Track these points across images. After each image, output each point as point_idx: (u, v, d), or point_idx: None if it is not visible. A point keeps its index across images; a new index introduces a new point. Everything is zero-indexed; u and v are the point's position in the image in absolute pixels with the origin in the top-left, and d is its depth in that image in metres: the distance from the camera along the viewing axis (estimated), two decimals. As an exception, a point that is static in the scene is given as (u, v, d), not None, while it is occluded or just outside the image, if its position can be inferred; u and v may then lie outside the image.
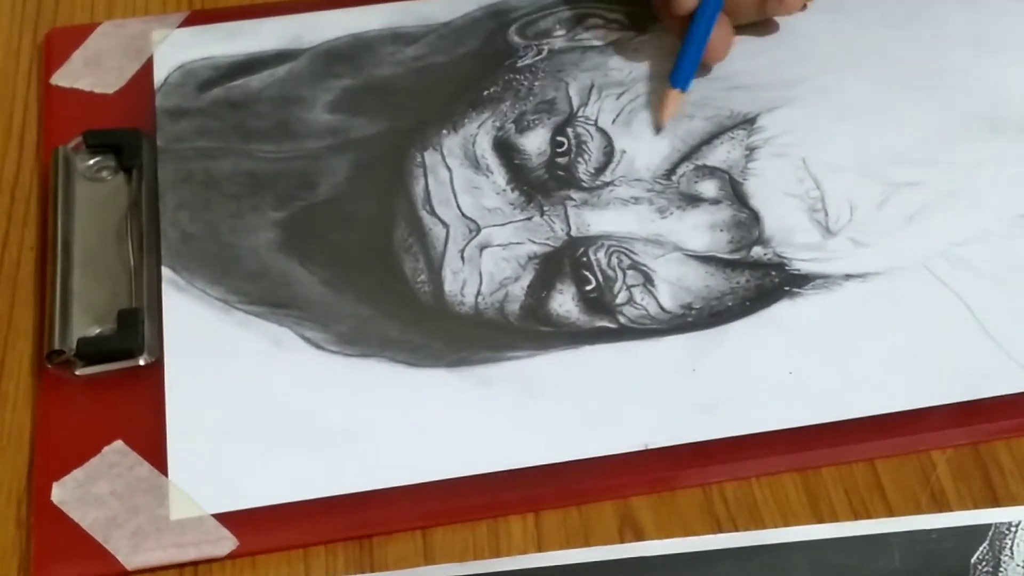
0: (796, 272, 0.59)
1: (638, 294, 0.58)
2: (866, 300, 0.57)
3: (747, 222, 0.60)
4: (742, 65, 0.66)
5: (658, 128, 0.64)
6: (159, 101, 0.68)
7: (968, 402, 0.54)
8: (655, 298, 0.58)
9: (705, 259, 0.59)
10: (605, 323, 0.58)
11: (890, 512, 0.52)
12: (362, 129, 0.66)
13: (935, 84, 0.63)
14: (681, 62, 0.64)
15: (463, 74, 0.68)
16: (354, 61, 0.69)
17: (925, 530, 0.51)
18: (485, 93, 0.66)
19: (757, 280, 0.58)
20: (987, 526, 0.51)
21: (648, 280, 0.59)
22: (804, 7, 0.66)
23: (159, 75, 0.69)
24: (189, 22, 0.72)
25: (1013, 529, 0.51)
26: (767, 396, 0.55)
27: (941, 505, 0.53)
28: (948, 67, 0.64)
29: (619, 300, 0.58)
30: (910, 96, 0.63)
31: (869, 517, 0.52)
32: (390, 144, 0.65)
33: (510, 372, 0.56)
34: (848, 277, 0.58)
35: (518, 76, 0.67)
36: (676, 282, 0.59)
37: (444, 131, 0.65)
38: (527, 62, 0.68)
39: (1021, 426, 0.54)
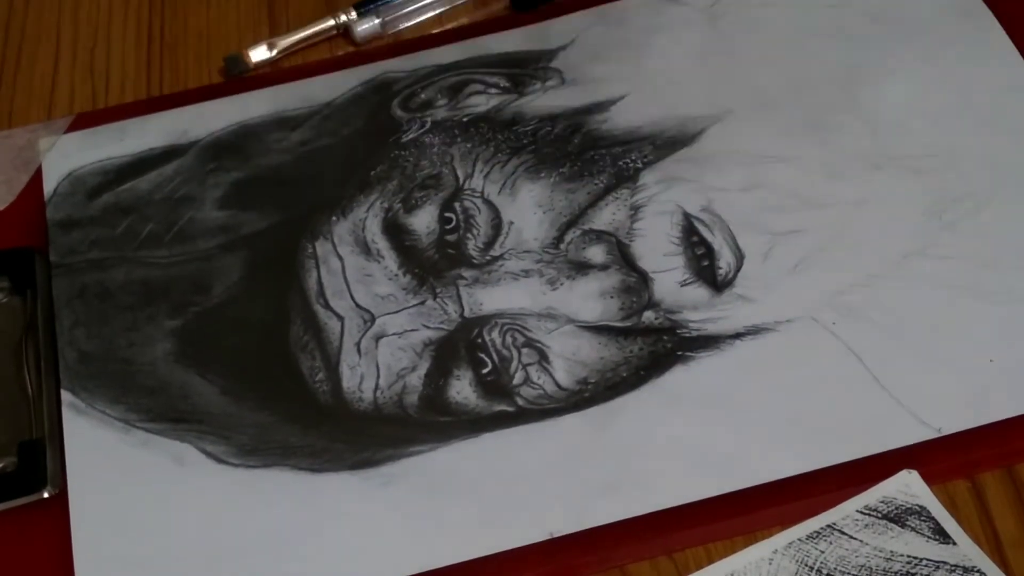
0: (687, 335, 0.58)
1: (534, 373, 0.58)
2: (758, 359, 0.56)
3: (636, 286, 0.59)
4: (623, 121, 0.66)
5: None
6: (50, 213, 0.67)
7: (868, 457, 0.53)
8: (551, 375, 0.58)
9: (597, 329, 0.59)
10: (503, 407, 0.57)
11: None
12: (253, 224, 0.65)
13: (812, 123, 0.62)
14: None
15: (349, 156, 0.67)
16: (241, 152, 0.68)
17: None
18: (372, 173, 0.66)
19: (650, 347, 0.58)
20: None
21: (543, 357, 0.58)
22: None
23: (48, 185, 0.68)
24: (76, 126, 0.71)
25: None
26: (668, 470, 0.54)
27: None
28: (824, 105, 0.62)
29: (516, 381, 0.58)
30: (787, 139, 0.62)
31: None
32: (281, 237, 0.64)
33: (413, 469, 0.56)
34: (739, 336, 0.57)
35: (403, 152, 0.66)
36: (571, 356, 0.58)
37: (333, 218, 0.64)
38: (411, 136, 0.67)
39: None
